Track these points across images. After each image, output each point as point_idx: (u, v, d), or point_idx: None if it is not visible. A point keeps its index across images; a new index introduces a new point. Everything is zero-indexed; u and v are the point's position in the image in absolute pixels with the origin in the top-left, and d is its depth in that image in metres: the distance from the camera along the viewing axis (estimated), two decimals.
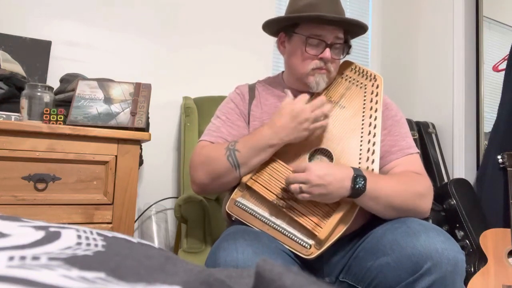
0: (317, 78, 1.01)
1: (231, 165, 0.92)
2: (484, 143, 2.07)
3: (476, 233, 1.67)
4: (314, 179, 0.82)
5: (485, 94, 2.13)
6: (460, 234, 1.74)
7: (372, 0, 2.39)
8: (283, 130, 0.90)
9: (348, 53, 1.05)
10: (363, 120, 1.00)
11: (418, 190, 0.91)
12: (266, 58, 2.02)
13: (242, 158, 0.91)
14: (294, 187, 0.85)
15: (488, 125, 2.07)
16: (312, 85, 1.01)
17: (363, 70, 1.09)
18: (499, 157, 1.77)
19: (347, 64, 1.11)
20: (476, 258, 1.62)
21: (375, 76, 1.07)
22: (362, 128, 0.98)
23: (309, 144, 0.97)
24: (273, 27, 1.07)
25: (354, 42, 1.09)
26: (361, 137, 0.97)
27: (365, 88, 1.05)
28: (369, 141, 0.96)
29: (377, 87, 1.05)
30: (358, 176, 0.83)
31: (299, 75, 1.03)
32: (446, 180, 2.00)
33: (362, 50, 2.35)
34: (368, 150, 0.95)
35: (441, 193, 1.85)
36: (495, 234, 1.61)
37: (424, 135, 2.08)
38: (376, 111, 1.00)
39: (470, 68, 2.13)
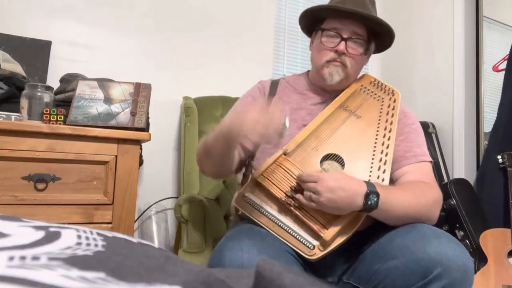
0: (331, 69, 1.02)
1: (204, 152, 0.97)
2: (484, 143, 2.07)
3: (476, 233, 1.67)
4: (324, 190, 0.81)
5: (485, 94, 2.13)
6: (460, 234, 1.74)
7: None
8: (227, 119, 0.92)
9: (368, 50, 1.06)
10: (377, 131, 1.01)
11: (429, 201, 0.91)
12: (266, 58, 2.02)
13: (206, 143, 0.94)
14: (306, 193, 0.85)
15: (488, 125, 2.07)
16: (326, 77, 1.03)
17: (382, 84, 1.12)
18: (499, 157, 1.77)
19: (367, 77, 1.14)
20: (476, 258, 1.62)
21: (393, 91, 1.10)
22: (376, 139, 0.99)
23: (322, 149, 0.97)
24: (303, 25, 1.13)
25: None
26: (375, 147, 0.98)
27: (382, 101, 1.07)
28: (382, 151, 0.97)
29: (394, 101, 1.07)
30: (372, 192, 0.82)
31: (316, 67, 1.06)
32: (446, 180, 2.00)
33: None
34: (380, 160, 0.95)
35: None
36: (495, 234, 1.61)
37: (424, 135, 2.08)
38: (391, 123, 1.02)
39: (470, 68, 2.13)
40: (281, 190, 0.91)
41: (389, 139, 0.99)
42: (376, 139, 0.99)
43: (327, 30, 1.02)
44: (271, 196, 0.91)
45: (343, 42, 1.00)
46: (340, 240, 0.86)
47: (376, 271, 0.83)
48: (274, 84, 1.13)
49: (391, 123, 1.01)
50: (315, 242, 0.86)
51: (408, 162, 1.00)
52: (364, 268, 0.86)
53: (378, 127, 1.01)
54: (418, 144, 1.03)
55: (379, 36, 1.08)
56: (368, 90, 1.10)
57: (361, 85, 1.11)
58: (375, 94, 1.09)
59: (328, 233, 0.85)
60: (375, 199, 0.82)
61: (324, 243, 0.85)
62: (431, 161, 1.03)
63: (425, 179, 0.97)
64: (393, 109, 1.05)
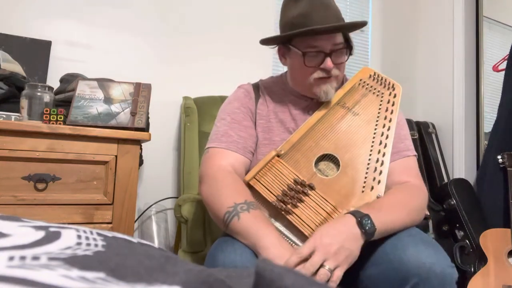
0: (325, 88, 0.98)
1: (224, 221, 0.84)
2: (484, 143, 2.07)
3: (476, 233, 1.67)
4: (332, 257, 0.74)
5: (485, 94, 2.13)
6: (460, 234, 1.74)
7: (372, 0, 2.39)
8: (268, 251, 0.77)
9: (351, 54, 1.03)
10: (375, 129, 0.98)
11: (417, 206, 0.90)
12: (266, 58, 2.02)
13: (234, 226, 0.82)
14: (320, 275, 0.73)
15: (488, 125, 2.07)
16: (321, 96, 0.99)
17: (382, 77, 1.07)
18: (499, 157, 1.77)
19: (367, 71, 1.09)
20: (476, 258, 1.62)
21: (393, 85, 1.05)
22: (374, 138, 0.97)
23: (317, 149, 0.96)
24: (270, 44, 1.06)
25: (354, 41, 1.09)
26: (372, 146, 0.96)
27: (382, 97, 1.04)
28: (379, 151, 0.95)
29: (395, 96, 1.03)
30: (362, 218, 0.78)
31: (304, 87, 1.01)
32: (446, 180, 2.00)
33: (362, 50, 2.35)
34: (377, 160, 0.94)
35: (441, 193, 1.85)
36: (495, 234, 1.61)
37: (424, 135, 2.08)
38: (390, 121, 0.99)
39: (470, 68, 2.13)
40: (272, 194, 0.89)
41: (387, 137, 0.97)
42: (374, 138, 0.97)
43: (309, 51, 0.95)
44: (263, 199, 0.90)
45: (328, 59, 0.94)
46: None
47: (360, 277, 0.83)
48: (256, 87, 1.10)
49: (390, 121, 0.99)
50: None
51: (392, 159, 0.98)
52: (348, 272, 0.84)
53: (376, 125, 0.99)
54: (400, 138, 1.02)
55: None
56: (367, 84, 1.06)
57: (360, 79, 1.07)
58: (375, 89, 1.05)
59: None
60: (368, 221, 0.78)
61: None
62: (415, 155, 1.02)
63: (410, 176, 0.97)
64: (392, 105, 1.01)
